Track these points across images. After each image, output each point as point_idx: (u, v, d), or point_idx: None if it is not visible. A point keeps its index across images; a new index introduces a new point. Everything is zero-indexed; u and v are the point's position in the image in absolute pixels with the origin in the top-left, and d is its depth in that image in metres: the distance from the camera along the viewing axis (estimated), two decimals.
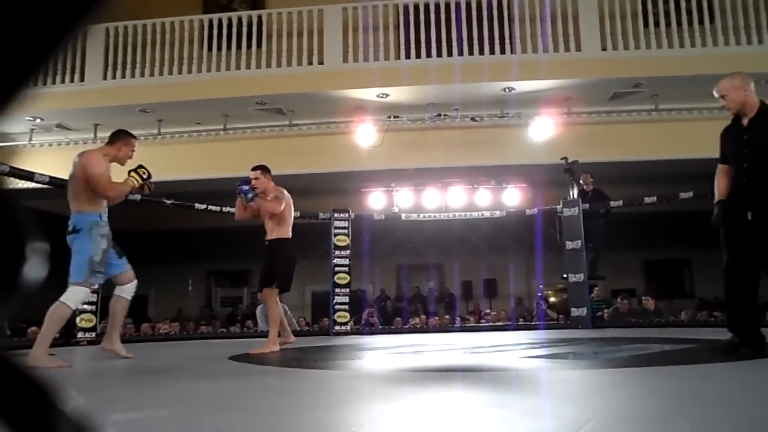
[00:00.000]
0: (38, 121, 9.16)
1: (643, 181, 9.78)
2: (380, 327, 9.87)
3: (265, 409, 1.98)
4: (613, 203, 8.51)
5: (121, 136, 4.39)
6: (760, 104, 3.65)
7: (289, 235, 5.21)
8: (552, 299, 13.37)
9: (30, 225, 0.51)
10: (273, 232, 5.20)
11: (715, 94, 3.84)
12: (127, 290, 4.45)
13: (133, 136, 4.48)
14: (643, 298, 9.86)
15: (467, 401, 2.12)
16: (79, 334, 6.78)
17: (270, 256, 5.20)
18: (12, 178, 6.78)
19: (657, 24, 8.42)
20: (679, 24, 8.30)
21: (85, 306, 6.85)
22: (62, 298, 3.87)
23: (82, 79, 8.94)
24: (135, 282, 4.48)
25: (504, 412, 1.82)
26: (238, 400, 2.19)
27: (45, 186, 6.94)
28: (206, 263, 14.67)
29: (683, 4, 8.33)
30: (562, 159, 8.38)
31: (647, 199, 8.32)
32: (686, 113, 8.83)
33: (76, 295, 3.93)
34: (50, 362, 3.65)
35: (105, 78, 8.98)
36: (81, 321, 6.81)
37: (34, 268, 0.51)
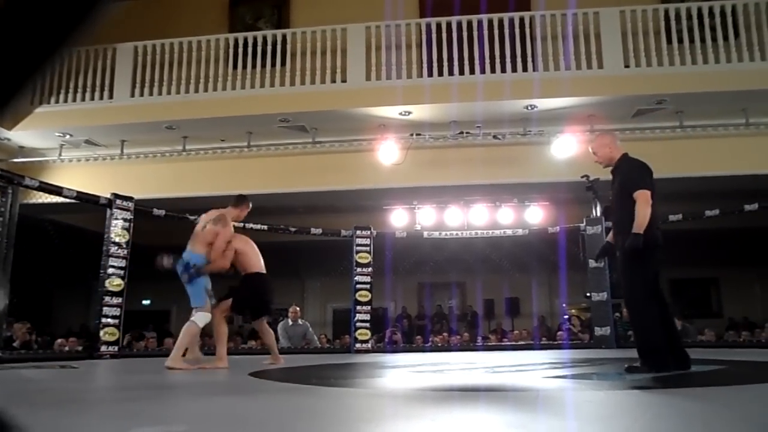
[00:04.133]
0: (68, 137, 9.35)
1: (668, 198, 9.60)
2: (402, 345, 9.82)
3: (284, 427, 1.97)
4: None
5: (244, 201, 5.71)
6: (620, 156, 4.10)
7: (253, 270, 5.70)
8: (581, 317, 13.19)
9: None
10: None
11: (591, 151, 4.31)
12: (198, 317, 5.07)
13: (248, 199, 5.75)
14: None
15: (489, 422, 2.10)
16: (102, 348, 6.84)
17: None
18: (41, 193, 6.93)
19: (680, 41, 8.36)
20: (703, 40, 8.24)
21: (109, 320, 6.94)
22: (193, 319, 4.94)
23: (110, 97, 9.14)
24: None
25: None
26: (256, 417, 2.19)
27: (73, 201, 7.06)
28: (228, 278, 14.74)
29: (707, 21, 8.27)
30: (583, 177, 8.32)
31: (672, 217, 8.21)
32: (711, 130, 8.73)
33: (203, 318, 4.98)
34: (182, 365, 4.76)
35: (132, 95, 9.16)
36: (105, 335, 6.88)
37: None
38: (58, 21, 0.50)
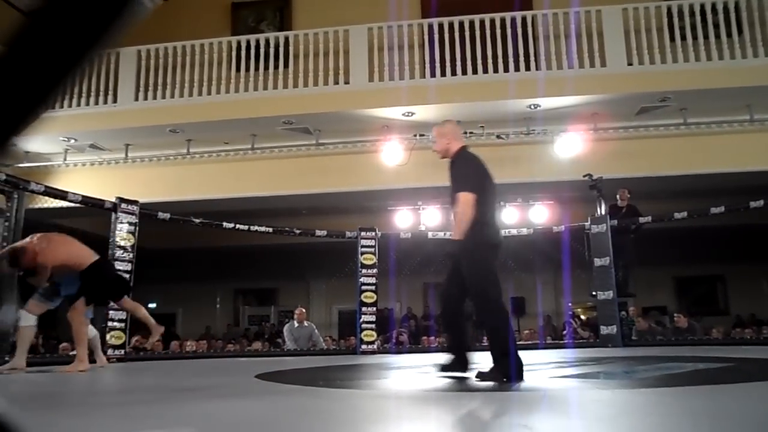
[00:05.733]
0: (72, 141, 9.39)
1: (673, 196, 9.64)
2: (407, 346, 9.81)
3: (291, 429, 1.97)
4: (642, 219, 8.39)
5: None
6: (458, 149, 3.88)
7: (87, 263, 5.33)
8: (583, 317, 13.17)
9: None
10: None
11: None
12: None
13: None
14: (675, 315, 9.66)
15: (496, 422, 2.09)
16: (109, 351, 6.85)
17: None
18: (47, 197, 6.95)
19: (683, 38, 8.34)
20: (706, 37, 8.22)
21: (115, 324, 6.96)
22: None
23: (114, 101, 9.16)
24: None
25: None
26: (263, 419, 2.19)
27: (78, 205, 7.08)
28: (234, 281, 14.79)
29: (710, 18, 8.25)
30: (585, 176, 8.31)
31: (677, 215, 8.18)
32: (715, 126, 8.70)
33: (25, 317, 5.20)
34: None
35: (136, 99, 9.18)
36: (111, 339, 6.89)
37: None
38: (86, 27, 0.51)
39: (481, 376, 3.42)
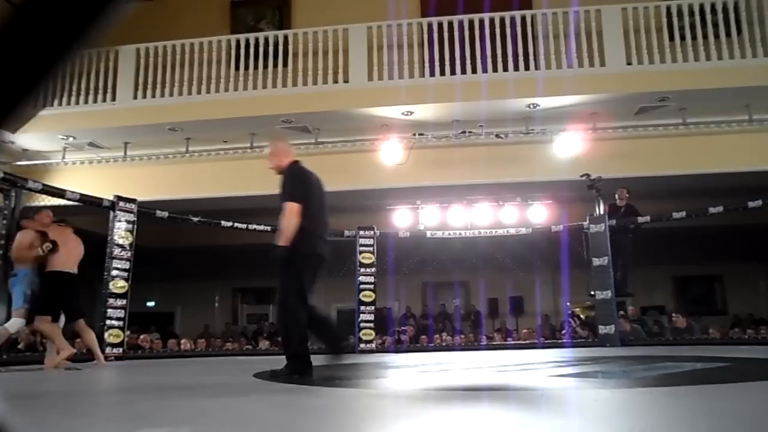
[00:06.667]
0: (71, 139, 9.38)
1: (672, 196, 9.64)
2: (404, 345, 9.82)
3: (288, 428, 1.97)
4: (641, 219, 8.40)
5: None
6: (289, 164, 4.12)
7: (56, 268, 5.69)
8: (582, 316, 13.18)
9: None
10: None
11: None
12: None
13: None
14: (673, 315, 9.67)
15: (493, 421, 2.09)
16: (107, 350, 6.85)
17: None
18: (45, 195, 6.94)
19: (683, 38, 8.34)
20: (705, 37, 8.22)
21: (114, 322, 6.96)
22: (6, 324, 5.50)
23: (113, 99, 9.15)
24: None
25: None
26: (260, 418, 2.19)
27: (76, 203, 7.08)
28: (232, 280, 14.77)
29: (709, 17, 8.25)
30: (582, 176, 8.32)
31: (676, 215, 8.20)
32: (714, 126, 8.71)
33: (15, 324, 5.57)
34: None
35: (135, 97, 9.17)
36: (109, 337, 6.89)
37: None
38: (69, 21, 0.50)
39: (273, 373, 3.78)
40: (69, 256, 5.71)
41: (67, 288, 5.65)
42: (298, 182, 3.96)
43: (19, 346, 8.09)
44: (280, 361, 4.71)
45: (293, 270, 3.83)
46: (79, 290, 5.81)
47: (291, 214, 3.80)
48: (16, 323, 5.45)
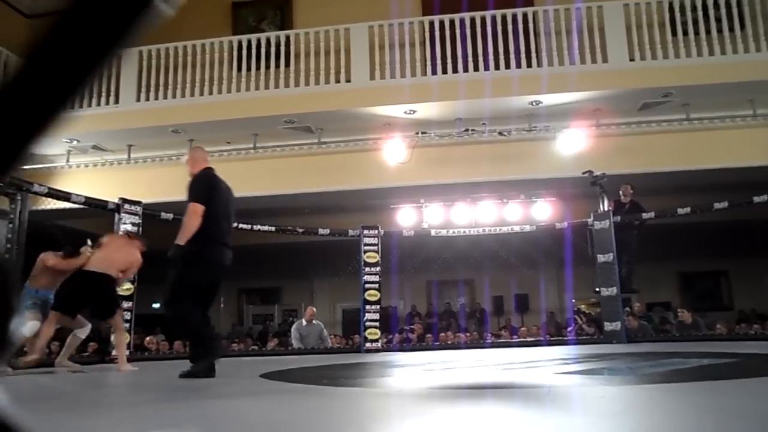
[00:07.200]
0: (75, 142, 9.40)
1: (676, 191, 9.61)
2: (409, 344, 9.83)
3: (295, 427, 1.98)
4: (645, 215, 8.38)
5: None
6: (201, 170, 4.31)
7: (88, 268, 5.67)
8: (588, 312, 13.16)
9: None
10: None
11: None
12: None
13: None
14: (679, 311, 9.64)
15: (499, 419, 2.09)
16: (114, 352, 6.87)
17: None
18: (50, 199, 6.96)
19: (686, 33, 8.31)
20: (708, 32, 8.19)
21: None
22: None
23: (116, 102, 9.16)
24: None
25: (537, 429, 1.80)
26: (267, 418, 2.20)
27: (81, 206, 7.10)
28: (237, 281, 14.78)
29: (712, 12, 8.22)
30: (585, 173, 8.30)
31: (681, 210, 8.17)
32: (718, 122, 8.68)
33: (30, 327, 5.52)
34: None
35: (138, 100, 9.19)
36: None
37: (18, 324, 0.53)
38: (108, 28, 0.51)
39: (182, 373, 3.85)
40: (105, 258, 5.70)
41: (92, 287, 5.59)
42: (204, 186, 4.10)
43: (26, 350, 8.10)
44: (286, 362, 4.73)
45: (190, 273, 3.94)
46: (109, 290, 5.72)
47: (193, 214, 3.93)
48: (30, 326, 5.42)
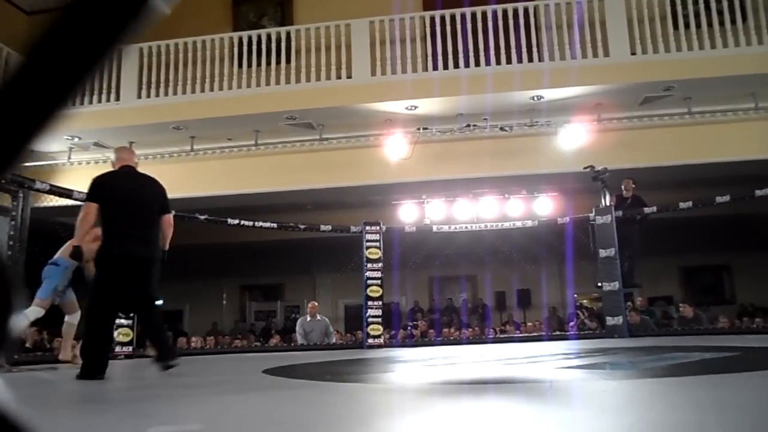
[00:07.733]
0: (76, 140, 9.40)
1: (678, 186, 9.60)
2: (411, 340, 9.84)
3: (298, 423, 1.98)
4: (647, 209, 8.37)
5: None
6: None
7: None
8: (590, 306, 13.16)
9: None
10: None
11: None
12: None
13: None
14: (681, 305, 9.64)
15: (501, 414, 2.10)
16: (117, 348, 6.89)
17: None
18: (52, 196, 6.97)
19: (687, 26, 8.28)
20: (710, 25, 8.16)
21: (123, 321, 7.00)
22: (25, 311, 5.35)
23: (117, 99, 9.16)
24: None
25: (539, 424, 1.80)
26: (270, 414, 2.20)
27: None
28: (240, 277, 14.81)
29: (713, 5, 8.19)
30: (586, 168, 8.29)
31: (682, 205, 8.16)
32: (720, 115, 8.66)
33: (34, 312, 5.49)
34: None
35: (139, 97, 9.18)
36: (119, 336, 6.93)
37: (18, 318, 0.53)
38: (107, 25, 0.51)
39: (78, 376, 3.86)
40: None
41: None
42: (92, 186, 4.09)
43: (28, 346, 8.13)
44: (289, 358, 4.73)
45: (98, 271, 4.02)
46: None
47: (84, 213, 4.03)
48: (34, 312, 5.41)
